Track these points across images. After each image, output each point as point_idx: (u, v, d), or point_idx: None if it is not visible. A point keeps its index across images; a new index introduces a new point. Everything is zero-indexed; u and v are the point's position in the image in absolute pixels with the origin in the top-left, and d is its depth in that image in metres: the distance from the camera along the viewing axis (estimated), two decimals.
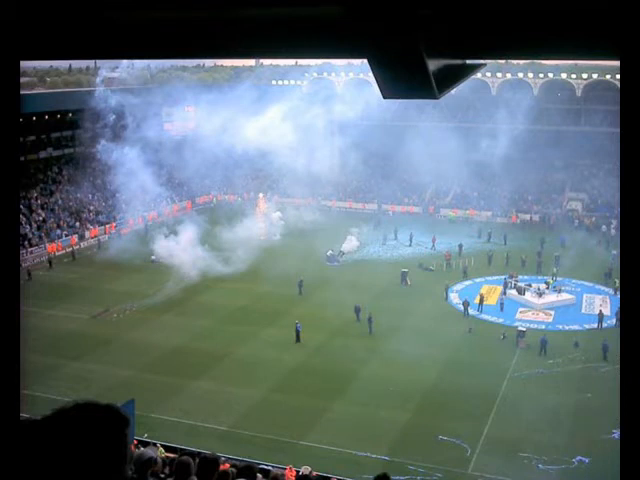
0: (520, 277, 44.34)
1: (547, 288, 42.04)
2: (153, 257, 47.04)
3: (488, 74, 63.13)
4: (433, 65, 2.05)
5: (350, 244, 50.99)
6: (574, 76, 62.23)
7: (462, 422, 26.22)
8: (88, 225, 55.65)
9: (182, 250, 45.78)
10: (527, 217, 62.05)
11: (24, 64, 2.60)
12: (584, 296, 42.62)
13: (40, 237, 51.22)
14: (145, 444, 18.60)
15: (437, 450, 24.46)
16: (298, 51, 2.27)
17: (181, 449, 20.19)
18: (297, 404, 27.73)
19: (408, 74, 2.05)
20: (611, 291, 42.02)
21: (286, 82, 70.93)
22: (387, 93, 2.14)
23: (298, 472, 20.09)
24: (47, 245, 50.40)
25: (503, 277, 43.91)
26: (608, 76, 60.52)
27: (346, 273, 45.21)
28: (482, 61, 2.39)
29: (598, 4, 1.84)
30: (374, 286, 42.20)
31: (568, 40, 1.99)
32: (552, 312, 39.56)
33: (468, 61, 2.29)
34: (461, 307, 39.05)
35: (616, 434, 23.71)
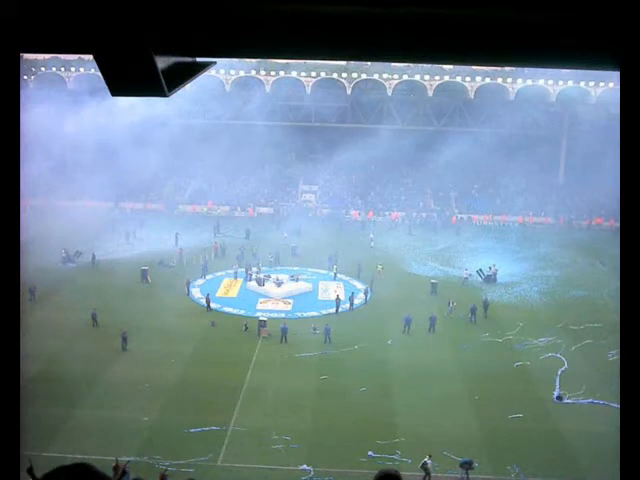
0: (262, 269, 46.14)
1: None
2: None
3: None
4: (162, 63, 2.06)
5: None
6: (304, 74, 63.32)
7: (210, 415, 26.90)
8: None
9: None
10: (264, 210, 64.85)
11: None
12: (320, 283, 44.66)
13: None
14: None
15: (186, 445, 24.85)
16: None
17: None
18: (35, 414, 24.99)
19: (136, 72, 2.06)
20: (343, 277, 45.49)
21: None
22: (115, 91, 2.14)
23: None
24: None
25: (243, 270, 45.38)
26: (335, 74, 63.02)
27: (84, 274, 44.66)
28: (212, 59, 2.41)
29: (597, 16, 1.85)
30: (115, 286, 41.93)
31: (569, 50, 2.00)
32: (291, 301, 41.41)
33: (198, 59, 2.32)
34: (203, 302, 39.86)
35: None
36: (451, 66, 58.49)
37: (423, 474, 23.04)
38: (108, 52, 2.03)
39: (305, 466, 23.64)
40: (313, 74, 62.60)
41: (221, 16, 2.11)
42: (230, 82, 62.63)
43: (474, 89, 61.56)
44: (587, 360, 32.70)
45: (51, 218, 52.99)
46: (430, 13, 2.04)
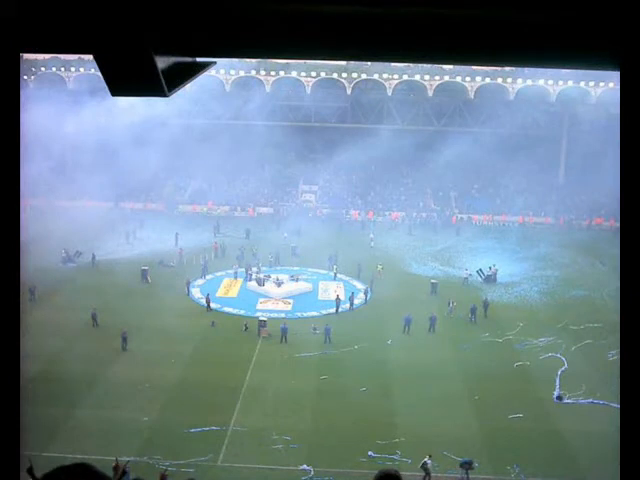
0: (262, 269, 46.37)
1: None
2: None
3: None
4: (162, 63, 2.06)
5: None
6: (304, 74, 63.00)
7: (210, 415, 26.88)
8: None
9: None
10: (264, 210, 65.40)
11: None
12: (320, 283, 44.71)
13: None
14: None
15: (186, 445, 24.79)
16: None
17: None
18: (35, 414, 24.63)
19: (136, 72, 2.07)
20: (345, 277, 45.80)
21: None
22: (115, 91, 2.14)
23: None
24: None
25: (243, 270, 45.53)
26: (335, 74, 63.08)
27: (84, 274, 44.67)
28: (212, 59, 2.42)
29: (597, 16, 1.86)
30: (115, 286, 41.86)
31: (569, 50, 2.01)
32: (291, 301, 41.43)
33: (198, 59, 2.32)
34: (203, 302, 39.85)
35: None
36: (451, 66, 58.51)
37: (423, 474, 23.06)
38: (108, 52, 2.03)
39: (305, 466, 23.64)
40: (313, 74, 62.65)
41: (221, 16, 2.11)
42: (230, 82, 62.62)
43: (474, 89, 61.59)
44: (587, 360, 32.70)
45: (51, 218, 52.97)
46: (430, 13, 2.04)
